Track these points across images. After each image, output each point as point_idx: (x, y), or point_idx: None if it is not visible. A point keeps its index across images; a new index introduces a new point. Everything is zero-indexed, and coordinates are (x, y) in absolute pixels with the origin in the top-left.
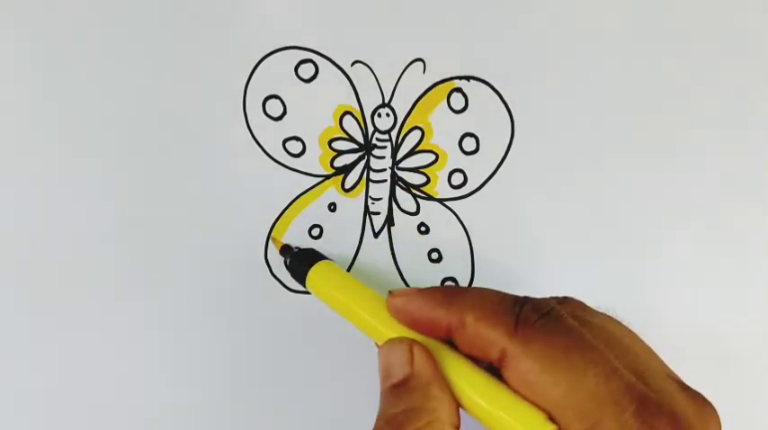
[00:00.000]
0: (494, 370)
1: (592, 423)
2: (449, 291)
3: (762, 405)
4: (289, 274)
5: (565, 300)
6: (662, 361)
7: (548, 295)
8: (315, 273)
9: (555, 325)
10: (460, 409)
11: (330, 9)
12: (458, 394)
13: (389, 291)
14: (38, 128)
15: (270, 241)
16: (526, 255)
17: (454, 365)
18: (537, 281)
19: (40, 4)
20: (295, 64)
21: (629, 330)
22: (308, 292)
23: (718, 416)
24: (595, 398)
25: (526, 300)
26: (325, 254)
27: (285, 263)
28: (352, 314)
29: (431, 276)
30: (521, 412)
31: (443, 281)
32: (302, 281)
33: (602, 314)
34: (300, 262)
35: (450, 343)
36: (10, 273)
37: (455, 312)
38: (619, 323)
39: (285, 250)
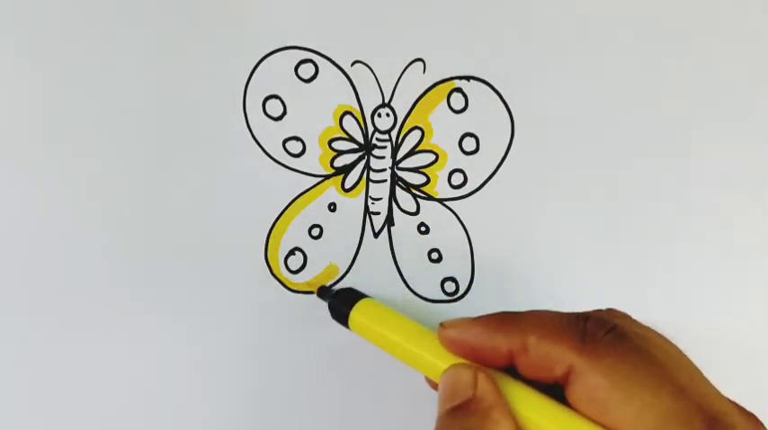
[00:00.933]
0: (555, 394)
1: None
2: (503, 317)
3: (762, 405)
4: (289, 274)
5: (611, 312)
6: (707, 378)
7: (548, 295)
8: (357, 313)
9: (623, 341)
10: None
11: (330, 9)
12: (524, 423)
13: (441, 324)
14: (38, 127)
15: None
16: (526, 255)
17: (517, 392)
18: (537, 281)
19: (40, 4)
20: (295, 64)
21: (677, 347)
22: (308, 293)
23: None
24: (670, 417)
25: (587, 315)
26: (325, 254)
27: (328, 305)
28: (402, 351)
29: (431, 276)
30: None
31: (443, 281)
32: (345, 322)
33: (649, 329)
34: (341, 303)
35: (509, 371)
36: (9, 274)
37: (516, 335)
38: (667, 339)
39: (323, 292)
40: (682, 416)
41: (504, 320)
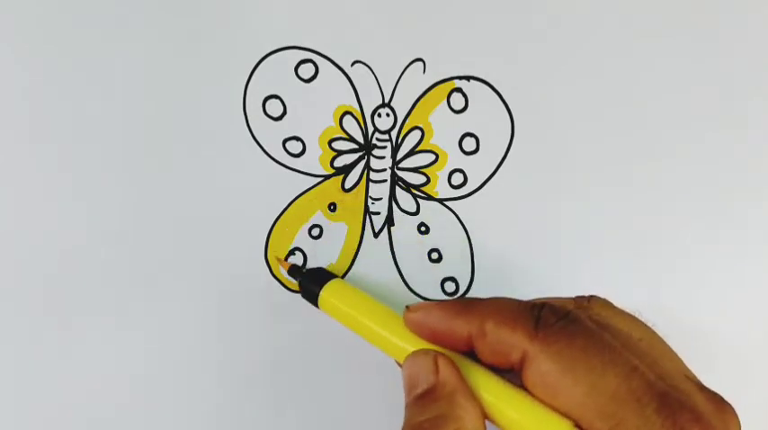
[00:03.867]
0: (515, 379)
1: (615, 421)
2: (465, 302)
3: (761, 403)
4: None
5: (591, 299)
6: (682, 362)
7: (549, 294)
8: (327, 293)
9: (574, 327)
10: (486, 421)
11: (330, 9)
12: (483, 404)
13: (406, 307)
14: (36, 128)
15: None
16: (526, 255)
17: (477, 375)
18: (537, 281)
19: (40, 3)
20: (295, 64)
21: (651, 331)
22: None
23: (737, 417)
24: (616, 397)
25: (543, 304)
26: (325, 254)
27: (299, 284)
28: (368, 332)
29: (431, 276)
30: (548, 421)
31: (443, 281)
32: (315, 302)
33: (626, 314)
34: (311, 283)
35: (470, 355)
36: (9, 276)
37: (474, 320)
38: (641, 324)
39: (294, 271)
40: (630, 395)
41: (465, 305)
